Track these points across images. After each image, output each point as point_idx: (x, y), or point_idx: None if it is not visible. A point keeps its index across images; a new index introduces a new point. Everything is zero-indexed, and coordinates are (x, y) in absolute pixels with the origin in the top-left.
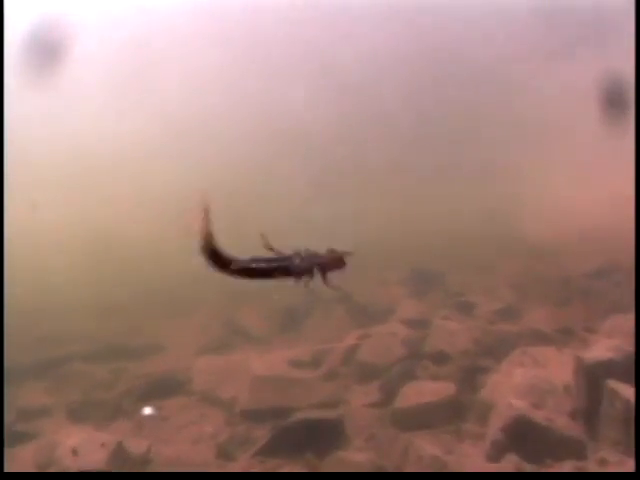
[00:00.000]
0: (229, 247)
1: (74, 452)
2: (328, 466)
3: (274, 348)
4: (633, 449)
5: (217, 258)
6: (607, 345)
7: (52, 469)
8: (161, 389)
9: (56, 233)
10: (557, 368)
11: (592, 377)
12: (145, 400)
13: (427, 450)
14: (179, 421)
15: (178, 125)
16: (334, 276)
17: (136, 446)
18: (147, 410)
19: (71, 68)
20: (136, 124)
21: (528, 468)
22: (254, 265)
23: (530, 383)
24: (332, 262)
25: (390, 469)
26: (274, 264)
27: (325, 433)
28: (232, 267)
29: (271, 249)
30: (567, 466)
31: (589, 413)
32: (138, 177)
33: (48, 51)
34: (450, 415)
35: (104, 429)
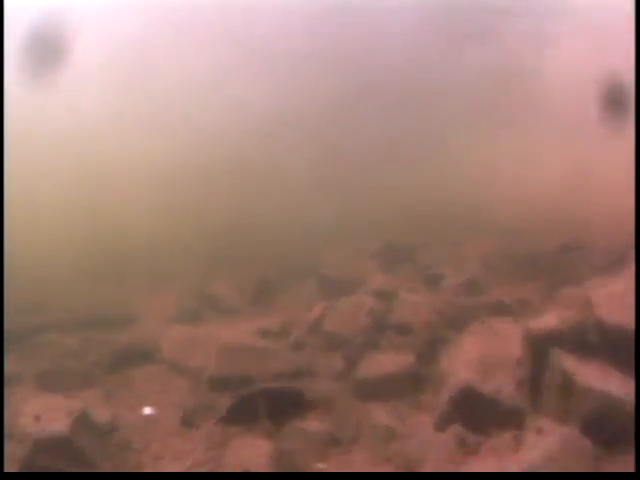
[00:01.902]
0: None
1: (37, 418)
2: (285, 435)
3: (244, 319)
4: (567, 417)
5: None
6: (556, 315)
7: (15, 436)
8: (130, 358)
9: (40, 206)
10: (511, 339)
11: (538, 346)
12: (114, 369)
13: (381, 420)
14: (146, 390)
15: (179, 124)
16: None
17: (101, 414)
18: (147, 410)
19: (72, 65)
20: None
21: (471, 438)
22: None
23: (481, 354)
24: None
25: (345, 439)
26: None
27: (286, 402)
28: None
29: None
30: (507, 436)
31: (534, 383)
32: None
33: (49, 49)
34: (408, 386)
35: (72, 397)
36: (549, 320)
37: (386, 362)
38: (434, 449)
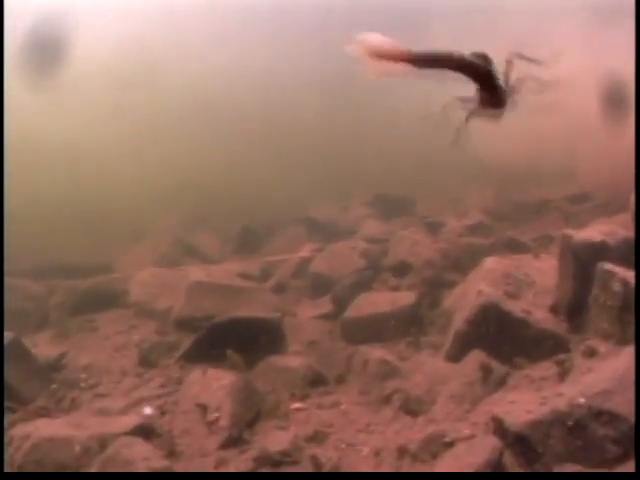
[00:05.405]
0: None
1: None
2: (256, 370)
3: (224, 264)
4: (628, 339)
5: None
6: (600, 229)
7: None
8: (97, 302)
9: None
10: (536, 269)
11: (581, 261)
12: (77, 312)
13: (374, 355)
14: (108, 331)
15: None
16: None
17: (49, 352)
18: (147, 410)
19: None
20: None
21: (495, 366)
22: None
23: (505, 271)
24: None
25: (330, 376)
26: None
27: (260, 336)
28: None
29: None
30: (545, 365)
31: (575, 305)
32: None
33: (49, 47)
34: (408, 326)
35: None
36: (591, 234)
37: (382, 301)
38: (448, 383)
